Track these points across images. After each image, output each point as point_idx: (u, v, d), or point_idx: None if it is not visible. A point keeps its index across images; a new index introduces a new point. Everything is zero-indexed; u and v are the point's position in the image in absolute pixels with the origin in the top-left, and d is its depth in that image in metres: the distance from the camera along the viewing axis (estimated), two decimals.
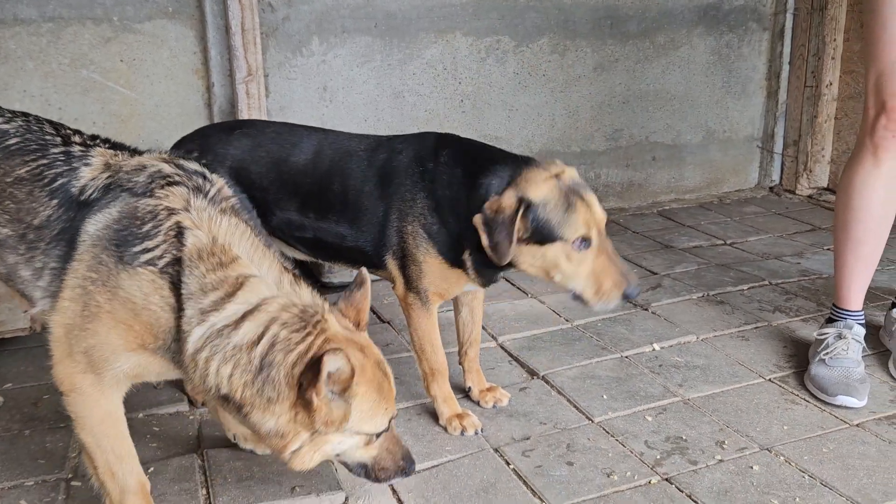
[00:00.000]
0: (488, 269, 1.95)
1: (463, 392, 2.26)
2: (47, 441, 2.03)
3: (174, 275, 1.41)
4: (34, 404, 2.22)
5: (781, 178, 4.57)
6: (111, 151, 1.62)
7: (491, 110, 3.84)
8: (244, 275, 1.42)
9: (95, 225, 1.47)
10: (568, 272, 1.83)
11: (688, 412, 2.18)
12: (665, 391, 2.29)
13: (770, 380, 2.35)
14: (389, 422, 1.54)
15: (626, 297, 1.84)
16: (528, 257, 1.85)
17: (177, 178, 1.52)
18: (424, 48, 3.65)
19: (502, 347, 2.61)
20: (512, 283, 3.17)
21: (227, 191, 1.60)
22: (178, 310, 1.41)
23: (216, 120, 3.28)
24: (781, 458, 1.95)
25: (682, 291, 3.04)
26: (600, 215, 1.86)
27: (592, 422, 2.13)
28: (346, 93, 3.55)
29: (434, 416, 2.14)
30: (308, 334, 1.40)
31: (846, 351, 2.27)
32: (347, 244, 2.06)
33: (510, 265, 1.89)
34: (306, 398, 1.37)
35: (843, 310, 2.37)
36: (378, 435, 1.53)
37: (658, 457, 1.96)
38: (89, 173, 1.54)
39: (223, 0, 3.11)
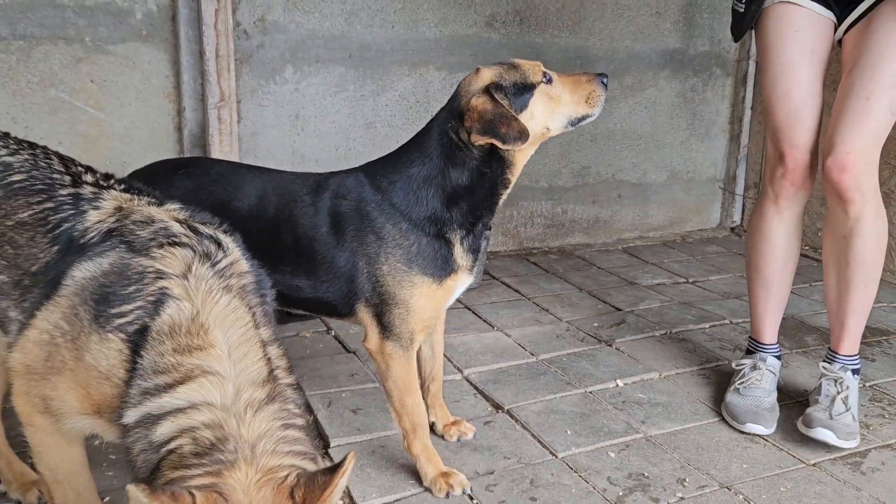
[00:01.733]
0: (477, 236, 1.95)
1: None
2: None
3: (137, 345, 1.24)
4: None
5: (742, 218, 4.69)
6: (126, 195, 1.48)
7: None
8: (202, 368, 1.19)
9: (83, 272, 1.32)
10: (557, 108, 1.91)
11: (650, 449, 2.20)
12: (628, 427, 2.31)
13: None
14: None
15: (604, 84, 1.96)
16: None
17: (183, 240, 1.36)
18: (397, 80, 3.70)
19: (468, 380, 2.61)
20: (478, 315, 3.19)
21: (244, 265, 1.40)
22: (128, 384, 1.23)
23: (186, 144, 3.26)
24: (740, 496, 1.98)
25: (646, 328, 3.08)
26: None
27: (556, 457, 2.14)
28: (319, 121, 3.57)
29: (400, 450, 2.13)
30: (202, 466, 1.09)
31: (759, 381, 2.38)
32: (305, 295, 1.97)
33: (510, 167, 1.91)
34: None
35: (758, 342, 2.49)
36: None
37: (620, 493, 1.98)
38: (96, 216, 1.41)
39: (198, 25, 3.12)
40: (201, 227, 1.43)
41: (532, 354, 2.82)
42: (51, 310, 1.32)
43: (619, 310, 3.32)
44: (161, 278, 1.29)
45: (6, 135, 1.67)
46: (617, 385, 2.59)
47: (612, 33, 4.14)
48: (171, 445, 1.13)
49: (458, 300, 3.40)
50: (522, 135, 1.79)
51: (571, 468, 2.08)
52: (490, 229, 2.01)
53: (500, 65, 1.90)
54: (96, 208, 1.42)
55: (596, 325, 3.14)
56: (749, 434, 2.27)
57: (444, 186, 1.89)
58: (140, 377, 1.21)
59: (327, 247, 1.93)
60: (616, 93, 4.23)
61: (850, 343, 2.33)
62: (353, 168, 2.05)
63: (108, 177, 1.57)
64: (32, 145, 1.64)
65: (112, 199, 1.46)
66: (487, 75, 1.87)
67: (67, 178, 1.50)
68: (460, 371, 2.66)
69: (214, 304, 1.27)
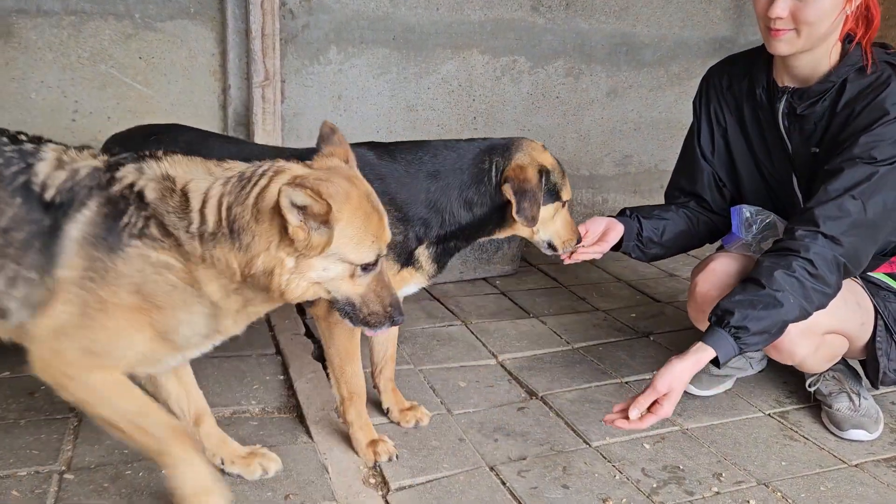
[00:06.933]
0: (445, 252, 2.05)
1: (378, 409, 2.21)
2: (42, 432, 2.02)
3: (158, 222, 1.49)
4: (30, 394, 2.21)
5: None
6: (61, 146, 1.61)
7: (503, 129, 3.85)
8: (184, 183, 1.51)
9: (78, 229, 1.48)
10: (551, 227, 2.11)
11: (686, 442, 2.17)
12: (664, 419, 2.28)
13: (769, 414, 2.34)
14: (377, 259, 1.55)
15: (578, 241, 2.19)
16: None
17: (121, 160, 1.58)
18: (440, 63, 3.68)
19: (502, 366, 2.60)
20: (514, 302, 3.17)
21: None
22: (177, 245, 1.49)
23: (230, 122, 3.29)
24: (778, 493, 1.94)
25: (684, 320, 3.02)
26: None
27: (590, 446, 2.12)
28: (361, 103, 3.57)
29: (436, 430, 2.13)
30: (256, 184, 1.48)
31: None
32: None
33: (501, 226, 2.06)
34: (283, 226, 1.44)
35: None
36: (364, 268, 1.54)
37: (654, 485, 1.95)
38: (45, 168, 1.54)
39: (245, 4, 3.14)
40: (124, 153, 1.63)
41: (567, 343, 2.80)
42: (65, 276, 1.47)
43: (658, 301, 3.27)
44: (133, 185, 1.52)
45: None
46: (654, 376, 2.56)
47: (661, 20, 4.07)
48: (224, 208, 1.48)
49: (495, 285, 3.39)
50: (533, 220, 1.97)
51: (605, 458, 2.07)
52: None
53: (557, 162, 2.07)
54: (41, 160, 1.54)
55: (633, 315, 3.10)
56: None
57: (453, 197, 1.97)
58: (177, 231, 1.48)
59: None
60: (662, 81, 4.15)
61: None
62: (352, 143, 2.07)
63: (38, 138, 1.67)
64: None
65: (51, 150, 1.58)
66: (548, 161, 2.02)
67: (5, 138, 1.59)
68: (495, 356, 2.66)
69: (169, 165, 1.56)
